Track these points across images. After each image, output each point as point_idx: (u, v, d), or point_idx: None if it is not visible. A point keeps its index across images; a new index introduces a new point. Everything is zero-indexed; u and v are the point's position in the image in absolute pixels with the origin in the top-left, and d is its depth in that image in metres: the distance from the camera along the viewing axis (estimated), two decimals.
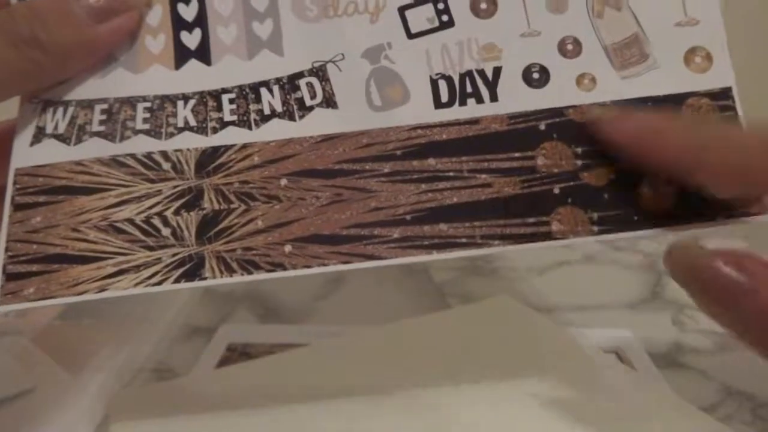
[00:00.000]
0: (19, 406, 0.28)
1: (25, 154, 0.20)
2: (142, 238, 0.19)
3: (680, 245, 0.17)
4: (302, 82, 0.21)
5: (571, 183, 0.20)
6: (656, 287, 0.41)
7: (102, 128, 0.21)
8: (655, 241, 0.51)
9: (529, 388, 0.25)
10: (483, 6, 0.21)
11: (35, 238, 0.19)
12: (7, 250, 0.19)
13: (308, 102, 0.21)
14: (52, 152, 0.20)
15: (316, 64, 0.21)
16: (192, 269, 0.19)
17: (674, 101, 0.21)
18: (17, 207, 0.20)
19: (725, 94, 0.21)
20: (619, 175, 0.20)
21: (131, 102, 0.21)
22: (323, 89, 0.21)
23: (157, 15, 0.22)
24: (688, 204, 0.20)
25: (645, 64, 0.21)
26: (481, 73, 0.21)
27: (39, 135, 0.21)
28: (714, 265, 0.16)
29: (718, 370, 0.32)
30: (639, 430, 0.25)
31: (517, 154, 0.20)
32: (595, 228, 0.20)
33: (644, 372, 0.30)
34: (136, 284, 0.19)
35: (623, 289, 0.40)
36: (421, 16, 0.21)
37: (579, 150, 0.20)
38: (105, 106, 0.21)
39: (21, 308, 0.19)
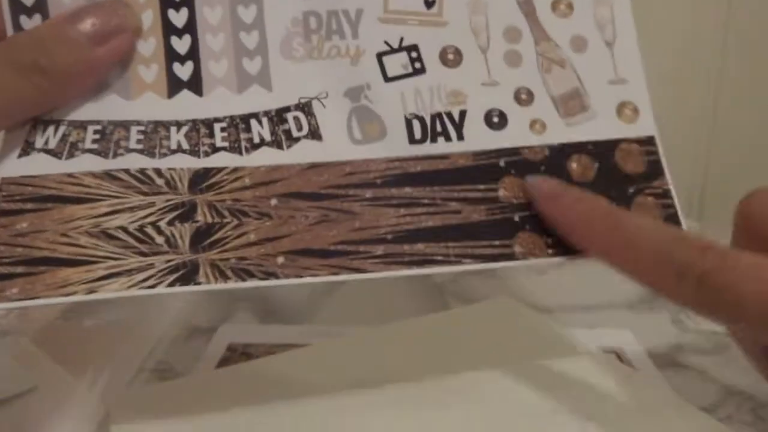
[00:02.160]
0: (19, 406, 0.28)
1: (12, 165, 0.21)
2: (135, 244, 0.20)
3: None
4: (289, 116, 0.23)
5: (527, 213, 0.23)
6: None
7: (95, 146, 0.21)
8: None
9: (529, 388, 0.26)
10: (450, 57, 0.24)
11: (20, 242, 0.20)
12: None
13: (295, 134, 0.23)
14: (41, 165, 0.21)
15: (303, 100, 0.23)
16: (186, 274, 0.20)
17: (609, 145, 0.24)
18: (2, 213, 0.20)
19: (650, 141, 0.25)
20: None
21: (124, 125, 0.22)
22: (309, 123, 0.23)
23: (151, 46, 0.23)
24: None
25: (585, 114, 0.25)
26: (449, 115, 0.24)
27: (27, 149, 0.21)
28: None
29: (718, 370, 0.31)
30: (639, 430, 0.25)
31: (481, 186, 0.23)
32: (551, 251, 0.23)
33: (644, 372, 0.30)
34: (129, 287, 0.19)
35: (623, 289, 0.38)
36: (397, 63, 0.24)
37: None
38: (98, 127, 0.22)
39: (3, 308, 0.19)
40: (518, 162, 0.24)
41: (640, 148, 0.24)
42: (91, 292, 0.19)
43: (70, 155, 0.21)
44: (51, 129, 0.21)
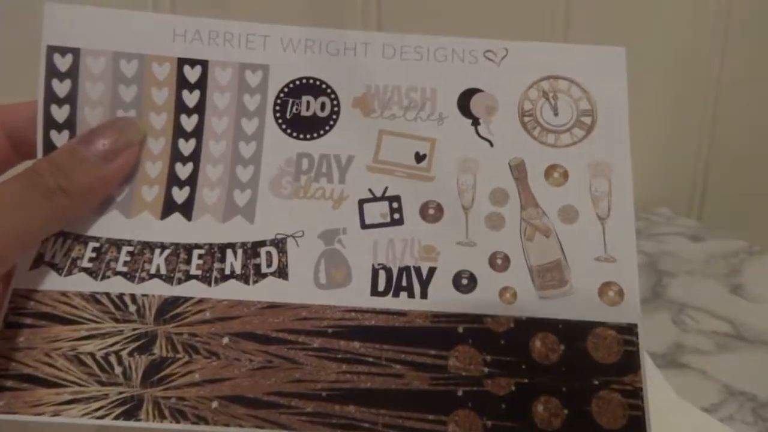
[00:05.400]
0: None
1: (24, 277, 0.24)
2: (98, 372, 0.22)
3: None
4: (263, 250, 0.24)
5: (474, 388, 0.22)
6: (656, 287, 0.41)
7: (90, 265, 0.24)
8: (655, 241, 0.51)
9: None
10: (431, 212, 0.25)
11: (16, 357, 0.22)
12: None
13: (264, 269, 0.24)
14: (45, 279, 0.24)
15: (279, 236, 0.25)
16: (131, 409, 0.22)
17: (583, 328, 0.23)
18: (8, 325, 0.23)
19: (630, 329, 0.23)
20: (518, 389, 0.22)
21: (117, 245, 0.24)
22: (279, 260, 0.24)
23: (157, 169, 0.25)
24: (577, 428, 0.22)
25: (563, 289, 0.24)
26: (417, 270, 0.24)
27: (38, 260, 0.24)
28: None
29: (718, 370, 0.31)
30: None
31: (432, 352, 0.23)
32: None
33: (644, 372, 0.29)
34: (83, 414, 0.22)
35: None
36: (376, 211, 0.25)
37: (488, 358, 0.23)
38: (96, 244, 0.24)
39: None
40: (478, 330, 0.23)
41: (617, 336, 0.23)
42: (56, 414, 0.22)
43: (69, 272, 0.24)
44: (59, 242, 0.24)
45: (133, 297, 0.23)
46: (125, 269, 0.24)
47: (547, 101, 0.25)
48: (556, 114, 0.25)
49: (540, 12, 0.56)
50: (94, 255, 0.24)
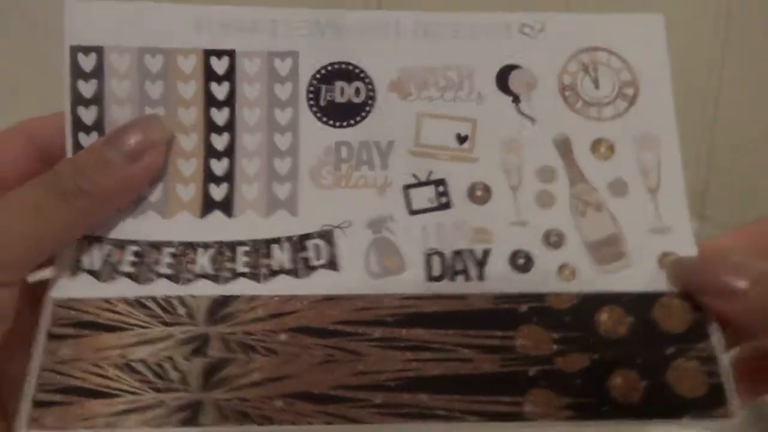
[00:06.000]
0: None
1: (62, 286, 0.22)
2: (152, 379, 0.21)
3: None
4: (310, 243, 0.23)
5: (546, 367, 0.22)
6: None
7: (131, 269, 0.23)
8: None
9: None
10: (478, 193, 0.24)
11: (62, 369, 0.21)
12: (38, 378, 0.21)
13: (313, 262, 0.23)
14: (85, 287, 0.22)
15: (325, 228, 0.24)
16: (191, 415, 0.20)
17: (648, 299, 0.23)
18: (51, 337, 0.21)
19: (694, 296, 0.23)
20: (591, 365, 0.22)
21: (158, 247, 0.23)
22: (328, 252, 0.23)
23: (191, 167, 0.24)
24: (657, 399, 0.21)
25: (621, 262, 0.23)
26: (472, 252, 0.23)
27: (75, 269, 0.23)
28: None
29: None
30: (639, 430, 0.24)
31: (498, 333, 0.22)
32: (566, 413, 0.21)
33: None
34: (141, 424, 0.20)
35: None
36: (423, 196, 0.24)
37: (555, 336, 0.22)
38: (136, 248, 0.23)
39: None
40: (541, 309, 0.22)
41: (682, 303, 0.22)
42: (109, 426, 0.20)
43: (110, 278, 0.23)
44: (96, 248, 0.23)
45: (181, 299, 0.22)
46: (169, 271, 0.23)
47: (587, 74, 0.25)
48: (597, 87, 0.25)
49: (540, 10, 0.57)
50: (134, 259, 0.23)
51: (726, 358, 0.22)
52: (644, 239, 0.23)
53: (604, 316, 0.22)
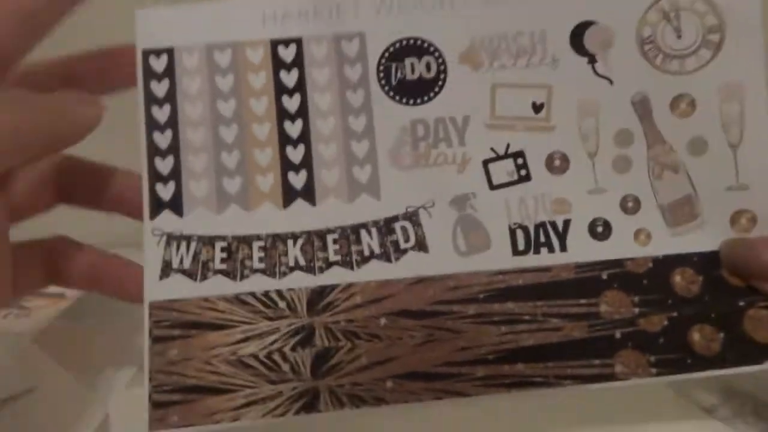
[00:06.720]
0: (19, 406, 0.28)
1: (156, 288, 0.23)
2: (266, 372, 0.23)
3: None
4: (397, 226, 0.24)
5: (630, 329, 0.23)
6: None
7: (224, 266, 0.23)
8: None
9: None
10: (557, 163, 0.24)
11: (174, 369, 0.22)
12: (151, 380, 0.22)
13: (402, 245, 0.24)
14: (180, 287, 0.23)
15: (410, 209, 0.24)
16: (308, 403, 0.22)
17: (717, 257, 0.24)
18: (155, 339, 0.23)
19: None
20: (671, 323, 0.23)
21: (247, 241, 0.24)
22: (416, 233, 0.24)
23: (268, 156, 0.24)
24: (736, 348, 0.23)
25: (694, 223, 0.24)
26: (553, 224, 0.24)
27: (166, 269, 0.23)
28: None
29: None
30: (639, 430, 0.26)
31: (583, 301, 0.24)
32: (654, 370, 0.23)
33: None
34: (263, 415, 0.22)
35: None
36: (502, 170, 0.24)
37: (636, 299, 0.24)
38: (224, 244, 0.24)
39: None
40: (621, 275, 0.24)
41: None
42: (235, 420, 0.22)
43: (203, 276, 0.23)
44: (183, 246, 0.23)
45: (279, 293, 0.23)
46: (262, 266, 0.24)
47: (669, 23, 0.24)
48: (679, 36, 0.24)
49: None
50: (225, 255, 0.24)
51: None
52: (719, 198, 0.24)
53: (677, 278, 0.24)
